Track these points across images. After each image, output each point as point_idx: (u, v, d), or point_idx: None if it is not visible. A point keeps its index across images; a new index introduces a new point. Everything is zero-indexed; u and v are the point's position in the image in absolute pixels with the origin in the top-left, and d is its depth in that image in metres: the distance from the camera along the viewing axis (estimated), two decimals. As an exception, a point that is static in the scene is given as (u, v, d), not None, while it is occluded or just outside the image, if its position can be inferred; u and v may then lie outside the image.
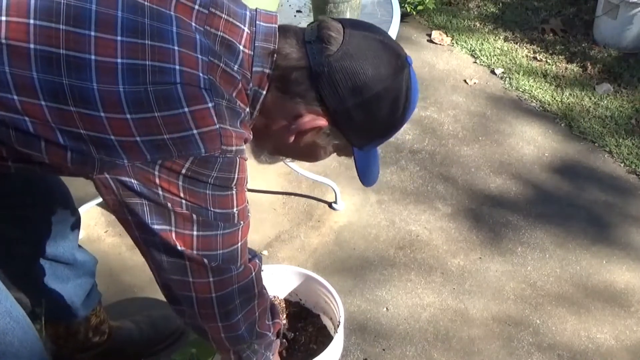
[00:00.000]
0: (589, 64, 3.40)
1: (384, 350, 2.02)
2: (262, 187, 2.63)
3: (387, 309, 2.15)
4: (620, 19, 3.42)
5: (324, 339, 1.79)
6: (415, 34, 3.72)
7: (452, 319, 2.12)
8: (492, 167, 2.76)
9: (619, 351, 2.05)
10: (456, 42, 3.63)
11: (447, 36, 3.67)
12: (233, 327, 1.25)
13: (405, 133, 2.93)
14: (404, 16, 3.66)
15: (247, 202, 1.16)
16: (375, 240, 2.39)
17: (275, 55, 1.09)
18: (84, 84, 0.96)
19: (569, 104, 3.14)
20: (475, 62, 3.47)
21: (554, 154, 2.84)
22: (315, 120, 1.10)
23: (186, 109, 0.98)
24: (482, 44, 3.60)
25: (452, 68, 3.42)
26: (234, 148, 1.05)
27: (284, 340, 1.74)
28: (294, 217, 2.49)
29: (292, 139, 1.14)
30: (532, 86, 3.25)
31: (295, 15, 2.14)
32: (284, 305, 1.87)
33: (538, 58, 3.49)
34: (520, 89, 3.24)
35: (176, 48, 0.99)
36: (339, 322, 1.71)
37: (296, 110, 1.11)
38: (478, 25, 3.81)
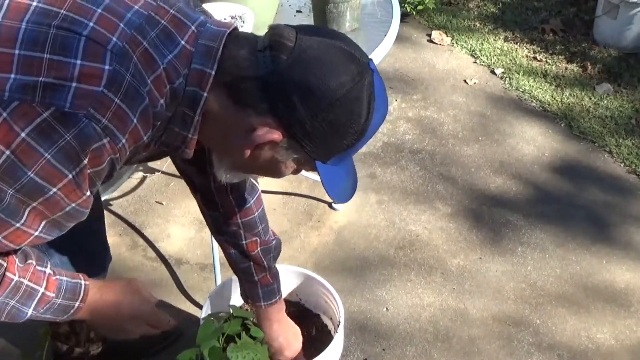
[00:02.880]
0: (589, 64, 3.40)
1: (384, 350, 2.02)
2: (262, 187, 2.62)
3: (387, 309, 2.15)
4: (620, 19, 3.42)
5: (324, 339, 1.78)
6: (415, 34, 3.72)
7: (452, 319, 2.12)
8: (492, 167, 2.76)
9: (619, 351, 2.05)
10: (456, 42, 3.63)
11: (447, 36, 3.67)
12: None
13: (405, 133, 2.93)
14: (404, 16, 3.66)
15: (72, 209, 0.98)
16: (375, 240, 2.39)
17: (218, 55, 1.01)
18: None
19: (569, 104, 3.14)
20: (475, 62, 3.47)
21: (554, 154, 2.84)
22: (268, 133, 1.01)
23: (78, 62, 0.91)
24: (482, 44, 3.60)
25: (452, 68, 3.42)
26: (104, 121, 0.92)
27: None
28: (294, 217, 2.49)
29: (247, 153, 1.05)
30: (532, 86, 3.25)
31: (295, 15, 2.14)
32: (284, 305, 1.87)
33: (538, 58, 3.49)
34: (520, 89, 3.24)
35: (99, 11, 0.95)
36: (339, 322, 1.71)
37: (248, 123, 1.02)
38: (478, 25, 3.81)
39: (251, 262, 1.57)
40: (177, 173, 2.66)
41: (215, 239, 1.61)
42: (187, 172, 1.47)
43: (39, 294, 1.12)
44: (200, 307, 2.09)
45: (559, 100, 3.17)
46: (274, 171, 1.11)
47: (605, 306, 2.19)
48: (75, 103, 0.90)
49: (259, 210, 1.56)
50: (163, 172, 2.68)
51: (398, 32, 1.98)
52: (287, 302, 1.86)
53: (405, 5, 3.66)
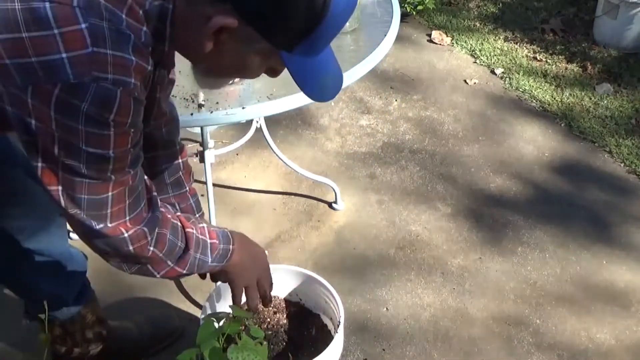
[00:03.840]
0: (589, 64, 3.40)
1: (384, 350, 2.02)
2: (262, 187, 2.63)
3: (387, 309, 2.15)
4: (620, 19, 3.42)
5: (324, 339, 1.78)
6: (415, 34, 3.72)
7: (452, 319, 2.12)
8: (492, 167, 2.76)
9: (619, 351, 2.04)
10: (456, 42, 3.64)
11: (447, 36, 3.67)
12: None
13: (405, 133, 2.93)
14: (404, 16, 3.66)
15: (132, 148, 1.07)
16: (375, 240, 2.39)
17: None
18: None
19: (569, 104, 3.14)
20: (475, 62, 3.47)
21: (554, 154, 2.84)
22: (222, 19, 1.00)
23: (56, 31, 0.91)
24: (482, 44, 3.60)
25: (452, 68, 3.42)
26: (109, 76, 0.95)
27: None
28: (294, 217, 2.49)
29: (210, 45, 1.04)
30: (532, 86, 3.25)
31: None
32: (284, 305, 1.87)
33: (538, 58, 3.49)
34: (520, 89, 3.24)
35: None
36: (339, 322, 1.70)
37: (204, 14, 1.01)
38: (478, 25, 3.81)
39: (181, 171, 1.53)
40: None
41: (147, 164, 1.47)
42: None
43: (209, 244, 1.30)
44: (200, 307, 2.08)
45: (559, 100, 3.16)
46: (243, 67, 1.09)
47: (605, 306, 2.19)
48: (76, 72, 0.92)
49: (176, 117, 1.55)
50: (163, 172, 2.68)
51: (398, 32, 1.98)
52: (287, 302, 1.87)
53: (405, 5, 3.66)
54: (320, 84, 1.10)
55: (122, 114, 0.99)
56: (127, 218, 1.13)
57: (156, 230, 1.18)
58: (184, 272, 1.27)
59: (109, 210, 1.09)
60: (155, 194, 1.21)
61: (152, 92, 1.32)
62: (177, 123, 1.51)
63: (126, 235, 1.13)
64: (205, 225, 1.31)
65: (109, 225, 1.11)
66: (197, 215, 1.56)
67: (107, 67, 0.94)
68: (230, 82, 1.30)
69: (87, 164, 1.02)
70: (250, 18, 1.00)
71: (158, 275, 1.25)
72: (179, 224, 1.24)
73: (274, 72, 1.13)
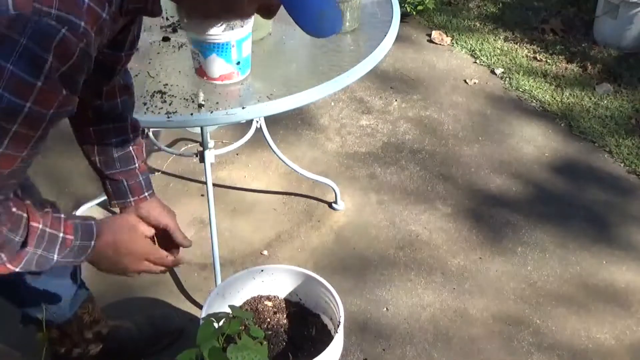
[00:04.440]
0: (589, 64, 3.40)
1: (384, 350, 2.02)
2: (262, 187, 2.63)
3: (387, 309, 2.15)
4: (620, 19, 3.42)
5: (324, 339, 1.78)
6: (415, 34, 3.72)
7: (452, 319, 2.12)
8: (492, 167, 2.76)
9: (619, 351, 2.04)
10: (456, 42, 3.64)
11: (447, 36, 3.67)
12: None
13: (405, 133, 2.93)
14: (404, 16, 3.66)
15: (51, 116, 0.94)
16: (375, 240, 2.39)
17: None
18: None
19: (569, 104, 3.14)
20: (475, 62, 3.47)
21: (554, 154, 2.84)
22: None
23: None
24: (482, 44, 3.60)
25: (452, 68, 3.42)
26: (53, 11, 0.86)
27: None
28: (294, 217, 2.49)
29: None
30: (532, 86, 3.26)
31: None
32: (284, 305, 1.87)
33: (538, 58, 3.49)
34: (520, 89, 3.25)
35: None
36: (339, 322, 1.71)
37: None
38: (478, 25, 3.81)
39: (132, 146, 1.46)
40: (177, 173, 2.68)
41: (95, 137, 1.44)
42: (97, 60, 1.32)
43: (60, 239, 1.14)
44: (200, 307, 2.08)
45: (559, 100, 3.17)
46: (233, 4, 1.01)
47: (605, 306, 2.19)
48: (16, 3, 0.85)
49: (131, 90, 1.48)
50: (163, 172, 2.68)
51: (398, 32, 1.97)
52: (287, 302, 1.87)
53: (405, 5, 3.66)
54: (318, 18, 0.98)
55: (63, 56, 0.88)
56: None
57: None
58: (18, 269, 1.11)
59: None
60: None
61: (116, 49, 1.25)
62: (132, 96, 1.45)
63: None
64: (63, 217, 1.16)
65: None
66: (147, 194, 1.47)
67: (52, 1, 0.86)
68: (220, 24, 1.19)
69: None
70: None
71: None
72: (25, 215, 1.09)
73: (267, 11, 1.04)
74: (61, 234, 1.14)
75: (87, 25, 0.89)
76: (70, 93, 0.94)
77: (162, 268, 1.36)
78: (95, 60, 1.03)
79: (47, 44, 0.86)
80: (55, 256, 1.14)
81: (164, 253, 1.36)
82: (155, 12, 1.10)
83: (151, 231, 1.36)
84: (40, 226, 1.10)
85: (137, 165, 1.46)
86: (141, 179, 1.46)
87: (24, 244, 1.09)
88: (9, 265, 1.09)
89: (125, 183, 1.45)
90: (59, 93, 0.92)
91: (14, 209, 1.07)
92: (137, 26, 1.27)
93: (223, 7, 1.02)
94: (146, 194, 1.47)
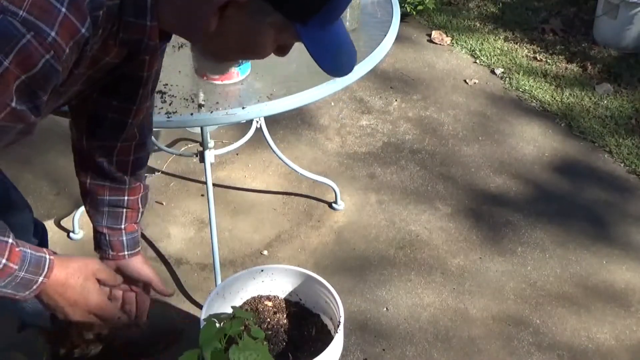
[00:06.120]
0: (589, 64, 3.40)
1: (384, 350, 2.02)
2: (262, 187, 2.63)
3: (387, 309, 2.15)
4: (620, 19, 3.42)
5: (324, 339, 1.78)
6: (415, 34, 3.72)
7: (452, 319, 2.12)
8: (492, 167, 2.76)
9: (619, 351, 2.05)
10: (456, 42, 3.64)
11: (447, 36, 3.67)
12: None
13: (405, 133, 2.93)
14: (404, 16, 3.66)
15: (12, 105, 0.84)
16: (375, 240, 2.39)
17: None
18: None
19: (569, 104, 3.14)
20: (475, 62, 3.47)
21: (554, 154, 2.84)
22: None
23: None
24: (482, 44, 3.60)
25: (452, 68, 3.42)
26: (21, 13, 0.79)
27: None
28: (294, 217, 2.48)
29: (214, 22, 0.92)
30: (532, 86, 3.26)
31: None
32: (284, 305, 1.87)
33: (538, 58, 3.49)
34: (520, 89, 3.25)
35: None
36: (339, 322, 1.71)
37: None
38: (478, 25, 3.81)
39: (124, 208, 1.40)
40: (177, 173, 2.68)
41: (89, 186, 1.40)
42: (110, 104, 1.26)
43: (1, 265, 1.02)
44: (200, 307, 2.08)
45: (559, 100, 3.17)
46: (252, 46, 0.97)
47: (605, 306, 2.19)
48: None
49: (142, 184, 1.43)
50: (163, 172, 2.68)
51: (398, 32, 1.97)
52: (287, 302, 1.87)
53: (405, 5, 3.66)
54: (336, 58, 0.99)
55: (22, 64, 0.81)
56: None
57: None
58: None
59: None
60: None
61: (125, 101, 1.19)
62: (147, 154, 1.38)
63: None
64: (12, 243, 1.03)
65: None
66: (126, 253, 1.41)
67: (22, 3, 0.80)
68: (236, 65, 1.17)
69: None
70: None
71: None
72: None
73: (283, 50, 1.02)
74: (3, 260, 1.02)
75: (59, 37, 0.82)
76: (25, 109, 0.86)
77: (107, 325, 1.27)
78: (100, 112, 0.99)
79: (7, 45, 0.80)
80: None
81: (115, 314, 1.25)
82: (154, 49, 1.01)
83: (115, 281, 1.28)
84: None
85: (123, 226, 1.41)
86: (124, 238, 1.41)
87: None
88: None
89: (107, 237, 1.41)
90: (9, 102, 0.83)
91: None
92: (151, 76, 1.20)
93: (243, 50, 0.99)
94: (126, 253, 1.42)
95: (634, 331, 2.11)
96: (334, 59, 0.98)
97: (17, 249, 1.04)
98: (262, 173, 2.69)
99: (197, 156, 2.14)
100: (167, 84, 1.71)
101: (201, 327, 1.55)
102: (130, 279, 1.44)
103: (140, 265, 1.46)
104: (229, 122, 1.70)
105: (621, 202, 2.60)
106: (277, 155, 2.47)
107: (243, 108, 1.62)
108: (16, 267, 1.04)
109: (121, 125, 1.28)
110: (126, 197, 1.40)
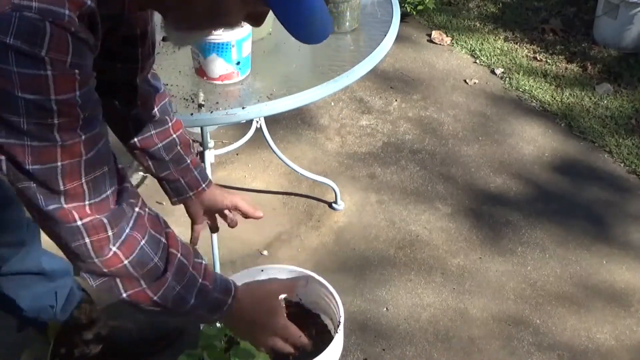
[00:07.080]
0: (589, 64, 3.40)
1: (384, 350, 2.02)
2: (262, 187, 2.63)
3: (387, 309, 2.15)
4: (620, 19, 3.42)
5: (324, 339, 1.78)
6: (415, 34, 3.72)
7: (452, 319, 2.12)
8: (492, 167, 2.76)
9: (619, 351, 2.05)
10: (456, 42, 3.64)
11: (447, 36, 3.67)
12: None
13: (405, 133, 2.93)
14: (404, 16, 3.66)
15: (81, 99, 0.89)
16: (375, 240, 2.39)
17: None
18: None
19: (569, 104, 3.14)
20: (475, 62, 3.47)
21: (554, 154, 2.84)
22: None
23: None
24: (482, 44, 3.60)
25: (452, 68, 3.42)
26: (33, 4, 0.81)
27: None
28: (294, 217, 2.49)
29: None
30: (532, 86, 3.26)
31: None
32: (284, 305, 1.87)
33: (538, 58, 3.49)
34: (520, 89, 3.25)
35: None
36: (339, 322, 1.70)
37: None
38: (478, 25, 3.81)
39: (179, 146, 1.43)
40: (177, 173, 2.67)
41: (141, 145, 1.41)
42: (116, 67, 1.26)
43: (200, 284, 1.10)
44: (200, 307, 2.08)
45: (559, 100, 3.17)
46: (219, 13, 0.96)
47: (605, 306, 2.19)
48: None
49: (165, 94, 1.45)
50: (163, 172, 2.68)
51: (398, 32, 1.97)
52: (287, 302, 1.86)
53: (405, 5, 3.66)
54: (308, 25, 0.95)
55: (58, 50, 0.83)
56: (87, 202, 0.95)
57: (122, 227, 1.00)
58: (156, 298, 1.05)
59: (61, 187, 0.92)
60: (129, 186, 1.05)
61: (130, 47, 1.18)
62: (168, 99, 1.42)
63: (79, 223, 0.94)
64: (204, 263, 1.12)
65: (65, 206, 0.93)
66: (204, 185, 1.47)
67: None
68: (208, 35, 1.18)
69: (26, 117, 0.85)
70: None
71: (124, 295, 1.04)
72: (164, 240, 1.06)
73: (256, 19, 1.00)
74: (199, 279, 1.10)
75: (73, 12, 0.84)
76: (85, 74, 0.89)
77: (291, 350, 1.28)
78: (109, 75, 1.01)
79: (35, 38, 0.82)
80: (192, 300, 1.09)
81: (298, 333, 1.27)
82: (135, 22, 1.01)
83: (292, 293, 1.35)
84: (180, 257, 1.07)
85: (189, 162, 1.45)
86: (196, 173, 1.46)
87: (165, 271, 1.05)
88: (149, 292, 1.05)
89: (183, 181, 1.45)
90: (75, 76, 0.87)
91: (147, 223, 1.05)
92: (148, 41, 1.21)
93: (211, 18, 0.97)
94: (203, 185, 1.47)
95: (634, 331, 2.11)
96: (306, 26, 0.94)
97: (210, 271, 1.12)
98: (262, 173, 2.69)
99: (197, 156, 2.14)
100: (167, 84, 1.70)
101: (201, 327, 1.55)
102: (218, 211, 1.50)
103: (220, 192, 1.50)
104: (229, 122, 1.70)
105: (621, 202, 2.60)
106: (277, 155, 2.47)
107: (243, 108, 1.62)
108: (210, 286, 1.11)
109: (132, 84, 1.30)
110: (174, 135, 1.42)
